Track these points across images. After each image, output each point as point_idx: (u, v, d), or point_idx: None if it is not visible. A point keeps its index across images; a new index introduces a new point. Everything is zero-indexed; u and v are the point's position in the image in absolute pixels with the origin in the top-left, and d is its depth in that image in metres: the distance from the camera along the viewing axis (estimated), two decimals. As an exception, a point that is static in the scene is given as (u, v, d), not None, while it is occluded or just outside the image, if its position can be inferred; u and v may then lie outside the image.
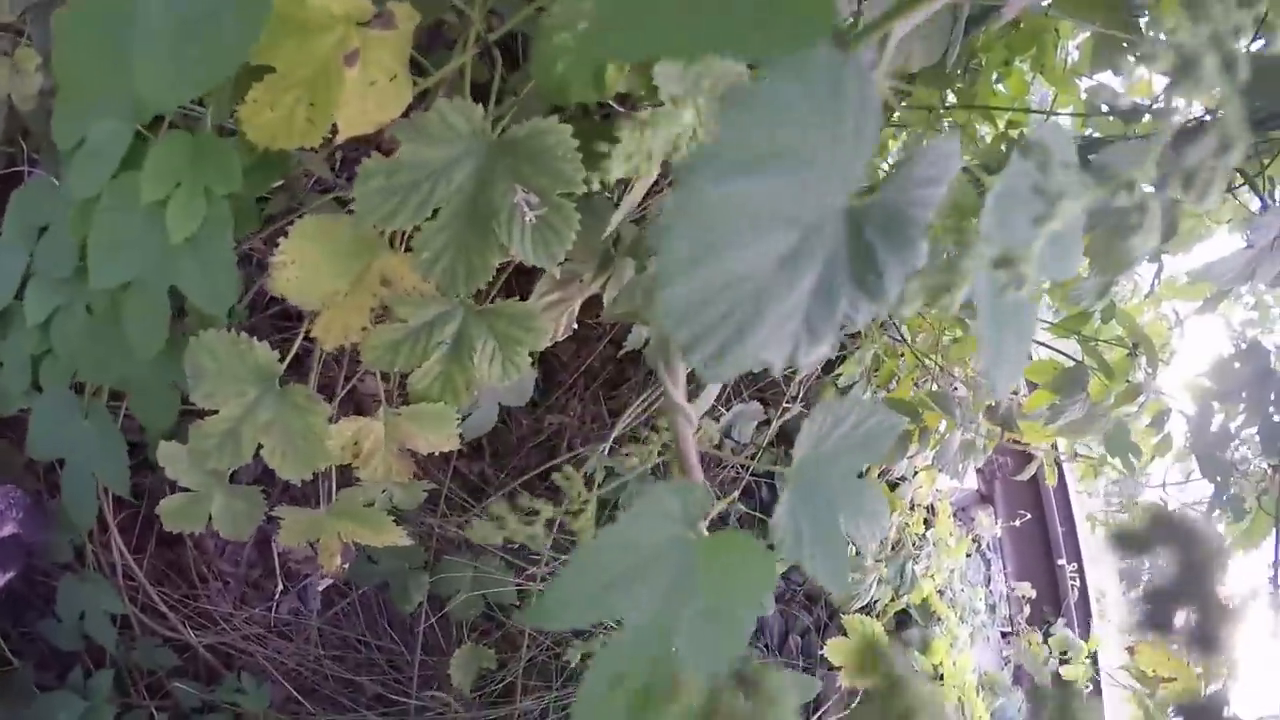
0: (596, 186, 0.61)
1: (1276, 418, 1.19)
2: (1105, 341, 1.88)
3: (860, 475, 0.50)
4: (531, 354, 0.87)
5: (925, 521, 2.21)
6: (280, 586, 1.64)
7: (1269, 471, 1.30)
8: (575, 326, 1.11)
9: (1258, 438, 1.24)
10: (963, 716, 2.17)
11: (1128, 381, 1.81)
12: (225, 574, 1.72)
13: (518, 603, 1.44)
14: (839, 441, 0.47)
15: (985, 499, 2.62)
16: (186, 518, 0.97)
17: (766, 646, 1.84)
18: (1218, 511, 1.19)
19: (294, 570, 1.65)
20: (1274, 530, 1.24)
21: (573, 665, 1.67)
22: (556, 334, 1.16)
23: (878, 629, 1.78)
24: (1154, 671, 1.20)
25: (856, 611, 1.87)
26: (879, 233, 0.34)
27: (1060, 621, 2.55)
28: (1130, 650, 1.27)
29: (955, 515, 2.66)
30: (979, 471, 2.61)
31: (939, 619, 2.04)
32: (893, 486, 2.06)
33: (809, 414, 0.47)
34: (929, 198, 0.35)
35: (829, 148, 0.31)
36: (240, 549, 1.73)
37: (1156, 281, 1.85)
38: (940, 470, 1.47)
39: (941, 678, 1.90)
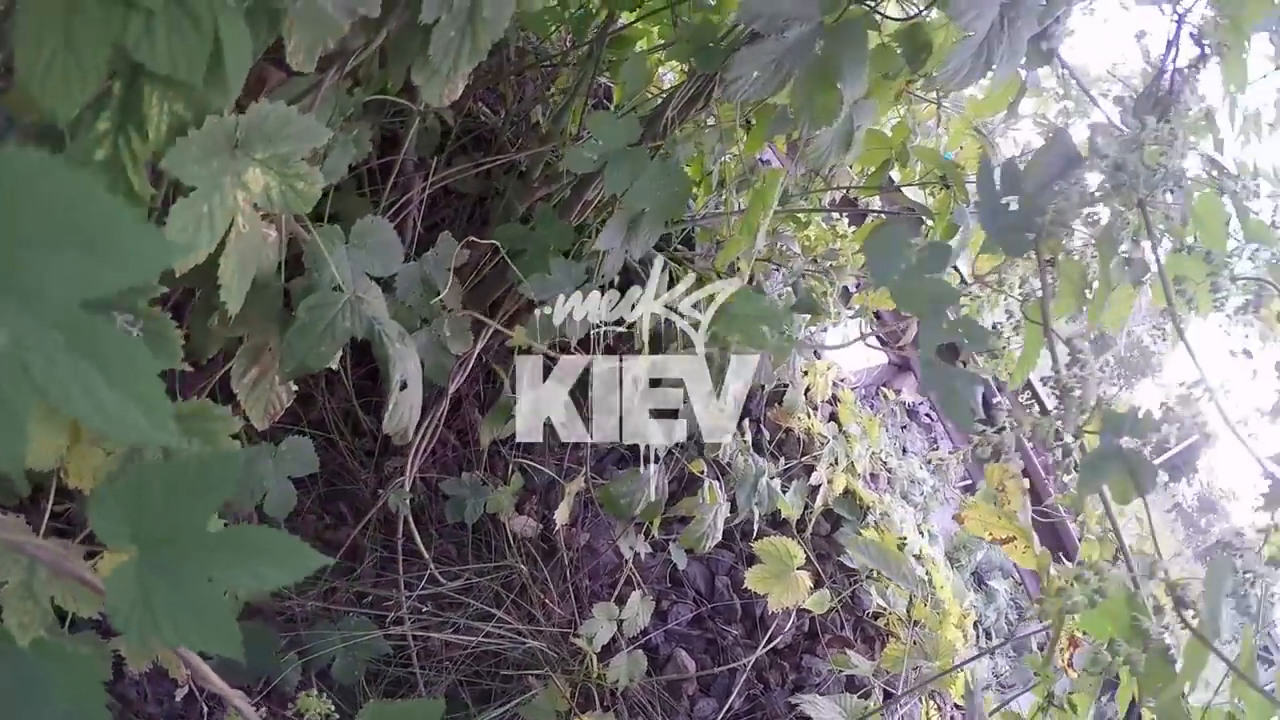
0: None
1: (1005, 201, 1.09)
2: (919, 184, 1.81)
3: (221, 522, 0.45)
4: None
5: (833, 416, 2.17)
6: (205, 709, 1.65)
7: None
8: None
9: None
10: (930, 588, 2.15)
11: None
12: (153, 715, 1.72)
13: (391, 651, 1.43)
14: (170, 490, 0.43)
15: (902, 367, 2.56)
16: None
17: (696, 597, 1.81)
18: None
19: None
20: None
21: (492, 687, 1.66)
22: (276, 408, 1.13)
23: (790, 546, 1.74)
24: (990, 535, 1.14)
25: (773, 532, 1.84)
26: None
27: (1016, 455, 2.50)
28: (958, 519, 1.21)
29: (876, 391, 2.61)
30: (884, 343, 2.56)
31: (868, 508, 2.00)
32: (778, 397, 2.02)
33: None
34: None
35: None
36: (164, 685, 1.72)
37: (941, 110, 1.77)
38: (757, 381, 1.42)
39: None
